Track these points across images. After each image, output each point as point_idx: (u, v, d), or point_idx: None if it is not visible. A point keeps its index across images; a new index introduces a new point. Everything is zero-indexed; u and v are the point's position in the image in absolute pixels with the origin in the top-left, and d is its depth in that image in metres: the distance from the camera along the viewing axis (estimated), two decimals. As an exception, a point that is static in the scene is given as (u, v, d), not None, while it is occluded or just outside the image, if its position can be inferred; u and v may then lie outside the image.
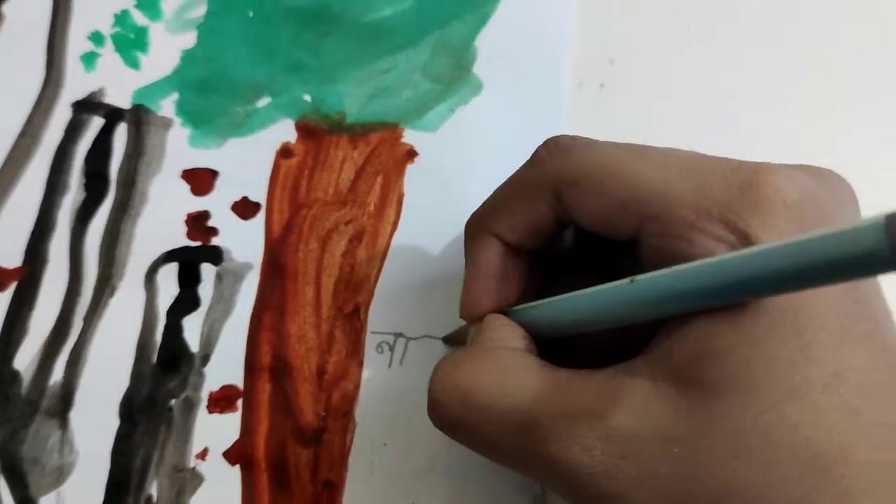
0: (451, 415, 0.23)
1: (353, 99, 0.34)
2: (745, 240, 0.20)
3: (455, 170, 0.33)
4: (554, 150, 0.25)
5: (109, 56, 0.34)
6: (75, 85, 0.34)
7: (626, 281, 0.22)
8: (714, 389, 0.20)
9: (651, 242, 0.22)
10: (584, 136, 0.25)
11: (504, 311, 0.26)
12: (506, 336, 0.25)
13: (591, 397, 0.21)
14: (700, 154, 0.23)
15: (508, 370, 0.23)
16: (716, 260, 0.20)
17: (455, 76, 0.34)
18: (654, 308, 0.21)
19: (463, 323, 0.28)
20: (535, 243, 0.26)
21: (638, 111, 0.35)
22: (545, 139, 0.25)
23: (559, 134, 0.25)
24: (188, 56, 0.34)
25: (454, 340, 0.31)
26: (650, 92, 0.35)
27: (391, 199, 0.33)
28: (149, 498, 0.29)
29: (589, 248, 0.27)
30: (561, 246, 0.28)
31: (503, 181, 0.27)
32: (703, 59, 0.35)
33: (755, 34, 0.36)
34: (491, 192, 0.27)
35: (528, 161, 0.26)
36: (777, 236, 0.20)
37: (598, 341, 0.26)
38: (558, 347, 0.25)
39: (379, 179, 0.33)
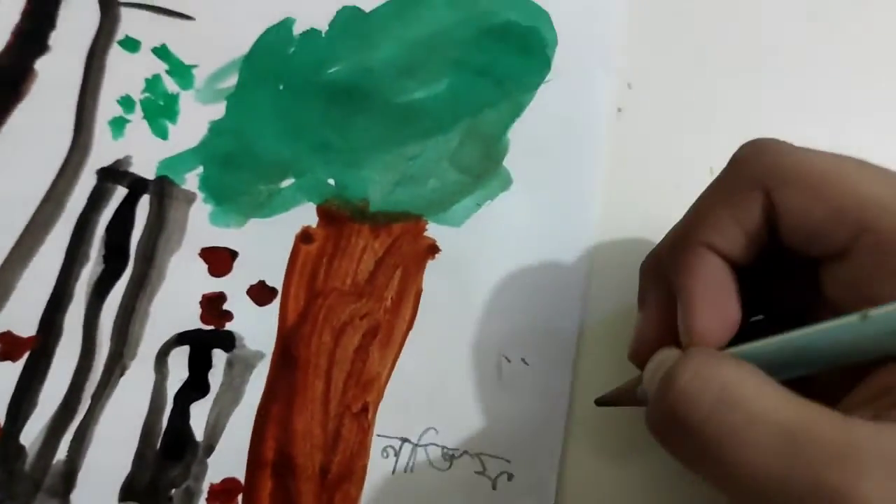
0: (700, 409, 0.20)
1: (377, 186, 0.33)
2: None
3: (476, 267, 0.32)
4: (759, 150, 0.23)
5: (138, 122, 0.34)
6: (102, 151, 0.34)
7: (855, 318, 0.19)
8: None
9: (865, 258, 0.20)
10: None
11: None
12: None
13: (860, 453, 0.18)
14: None
15: (767, 380, 0.20)
16: None
17: (485, 168, 0.33)
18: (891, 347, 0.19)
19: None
20: (746, 256, 0.23)
21: (657, 135, 0.34)
22: (741, 146, 0.24)
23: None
24: (216, 128, 0.34)
25: (612, 401, 0.28)
26: (669, 116, 0.34)
27: (409, 294, 0.32)
28: (143, 588, 0.29)
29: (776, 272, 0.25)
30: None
31: (706, 194, 0.24)
32: (720, 82, 0.35)
33: (772, 55, 0.35)
34: (667, 230, 0.25)
35: (725, 168, 0.24)
36: None
37: None
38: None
39: (398, 273, 0.32)
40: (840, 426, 0.19)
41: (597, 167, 0.33)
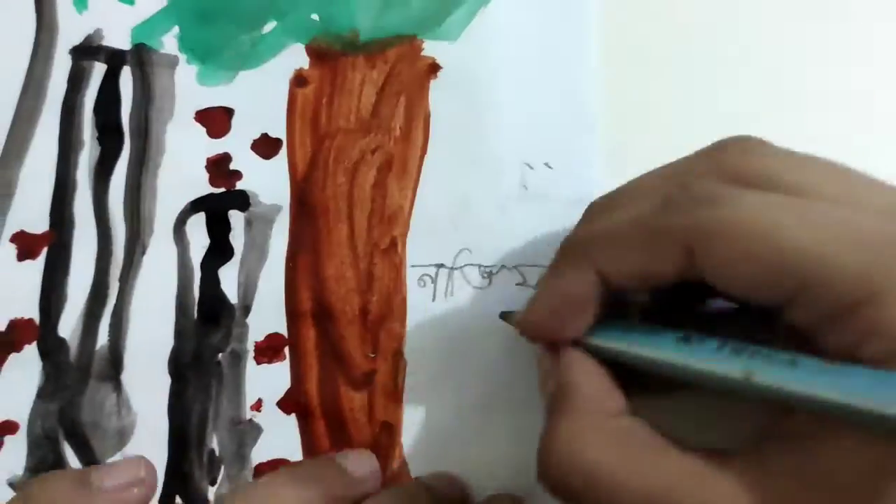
0: (572, 491, 0.21)
1: (364, 13, 0.31)
2: None
3: (482, 80, 0.30)
4: (691, 198, 0.21)
5: (100, -8, 0.32)
6: (70, 28, 0.32)
7: (738, 375, 0.20)
8: None
9: (801, 318, 0.20)
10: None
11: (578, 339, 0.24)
12: (602, 391, 0.23)
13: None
14: (867, 215, 0.19)
15: (633, 450, 0.21)
16: (865, 378, 0.17)
17: (472, -27, 0.31)
18: (772, 403, 0.20)
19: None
20: (638, 287, 0.23)
21: None
22: (679, 182, 0.22)
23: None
24: (183, -18, 0.32)
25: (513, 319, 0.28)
26: None
27: (417, 120, 0.30)
28: (211, 452, 0.29)
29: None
30: None
31: (620, 211, 0.23)
32: None
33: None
34: (601, 217, 0.24)
35: (656, 202, 0.22)
36: None
37: None
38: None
39: (402, 100, 0.31)
40: (698, 486, 0.20)
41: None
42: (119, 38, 0.32)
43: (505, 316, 0.28)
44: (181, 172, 0.31)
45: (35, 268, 0.31)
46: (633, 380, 0.23)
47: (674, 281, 0.22)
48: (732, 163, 0.22)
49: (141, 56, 0.31)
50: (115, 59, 0.31)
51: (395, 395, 0.29)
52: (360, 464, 0.28)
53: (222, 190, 0.31)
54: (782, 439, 0.20)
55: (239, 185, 0.31)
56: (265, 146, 0.31)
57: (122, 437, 0.30)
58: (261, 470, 0.29)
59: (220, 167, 0.31)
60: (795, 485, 0.19)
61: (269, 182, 0.31)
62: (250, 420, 0.30)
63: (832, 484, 0.18)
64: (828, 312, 0.19)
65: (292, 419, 0.29)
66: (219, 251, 0.30)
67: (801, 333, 0.20)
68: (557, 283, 0.24)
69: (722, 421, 0.23)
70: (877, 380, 0.17)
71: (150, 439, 0.30)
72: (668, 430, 0.22)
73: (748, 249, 0.20)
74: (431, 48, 0.31)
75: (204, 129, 0.31)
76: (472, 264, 0.30)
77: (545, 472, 0.22)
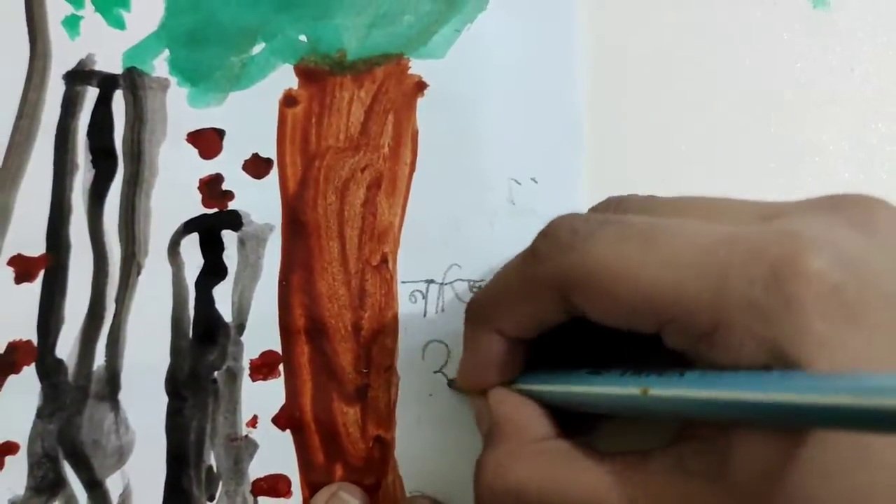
0: None
1: (351, 32, 0.31)
2: (777, 352, 0.18)
3: (469, 97, 0.31)
4: (553, 245, 0.22)
5: (91, 17, 0.32)
6: (63, 54, 0.32)
7: (636, 391, 0.21)
8: None
9: (673, 343, 0.21)
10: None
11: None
12: (528, 419, 0.24)
13: (652, 500, 0.21)
14: (716, 232, 0.20)
15: (554, 465, 0.23)
16: (737, 379, 0.19)
17: (457, -9, 0.31)
18: (671, 417, 0.22)
19: None
20: (541, 331, 0.24)
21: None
22: (545, 226, 0.23)
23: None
24: (172, 6, 0.32)
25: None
26: None
27: (405, 137, 0.31)
28: (209, 468, 0.30)
29: None
30: None
31: (505, 267, 0.25)
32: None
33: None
34: (494, 275, 0.26)
35: (527, 254, 0.24)
36: (813, 345, 0.18)
37: None
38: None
39: (390, 118, 0.31)
40: (617, 488, 0.21)
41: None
42: (111, 63, 0.32)
43: (451, 384, 0.30)
44: (174, 193, 0.31)
45: (33, 290, 0.31)
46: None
47: (566, 320, 0.23)
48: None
49: (133, 79, 0.32)
50: (107, 83, 0.32)
51: (388, 410, 0.30)
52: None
53: (215, 210, 0.31)
54: (696, 439, 0.21)
55: (231, 205, 0.31)
56: (256, 166, 0.31)
57: (122, 455, 0.30)
58: (258, 485, 0.30)
59: (212, 188, 0.31)
60: (706, 482, 0.20)
61: (260, 201, 0.31)
62: (246, 436, 0.30)
63: (739, 480, 0.19)
64: (693, 338, 0.20)
65: (287, 434, 0.30)
66: (213, 270, 0.31)
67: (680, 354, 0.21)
68: (467, 349, 0.26)
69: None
70: (754, 377, 0.19)
71: (148, 457, 0.30)
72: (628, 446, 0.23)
73: (609, 291, 0.21)
74: (418, 66, 0.31)
75: (196, 151, 0.31)
76: (462, 279, 0.30)
77: (478, 496, 0.24)
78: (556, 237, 0.23)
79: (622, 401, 0.22)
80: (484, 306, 0.26)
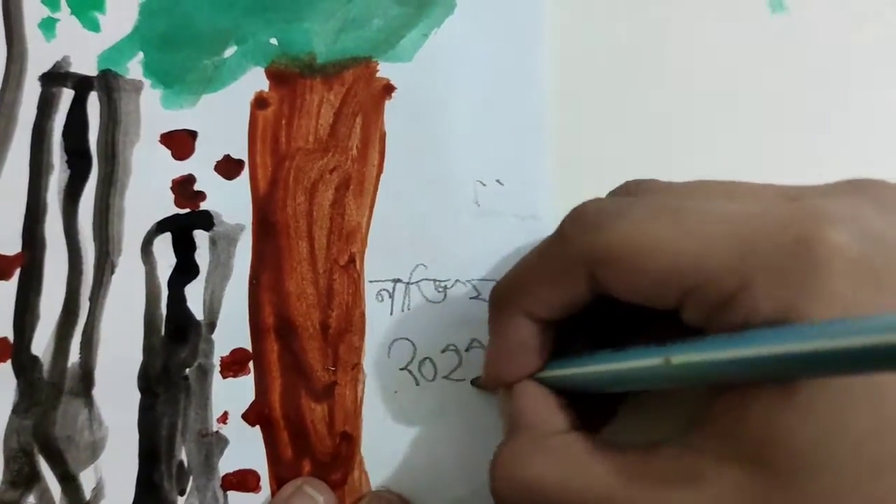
0: (515, 499, 0.23)
1: (321, 36, 0.32)
2: (794, 312, 0.19)
3: (435, 100, 0.31)
4: (581, 227, 0.23)
5: (67, 20, 0.33)
6: (39, 56, 0.33)
7: (660, 361, 0.21)
8: (788, 476, 0.19)
9: (693, 315, 0.21)
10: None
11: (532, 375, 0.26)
12: (547, 412, 0.25)
13: (663, 485, 0.21)
14: (743, 209, 0.21)
15: (570, 460, 0.23)
16: (754, 335, 0.19)
17: (425, -4, 0.32)
18: (694, 383, 0.21)
19: None
20: (569, 314, 0.25)
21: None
22: (570, 210, 0.24)
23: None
24: (146, 9, 0.33)
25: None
26: None
27: (373, 139, 0.31)
28: (180, 463, 0.31)
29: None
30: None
31: (530, 252, 0.25)
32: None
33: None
34: (517, 262, 0.26)
35: (554, 237, 0.24)
36: (832, 304, 0.19)
37: None
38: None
39: (359, 120, 0.32)
40: (630, 479, 0.21)
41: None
42: (86, 65, 0.33)
43: (474, 382, 0.30)
44: (148, 194, 0.32)
45: (9, 288, 0.32)
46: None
47: (594, 297, 0.23)
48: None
49: (107, 81, 0.32)
50: (82, 85, 0.33)
51: (355, 407, 0.30)
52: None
53: (187, 210, 0.32)
54: (706, 422, 0.21)
55: (203, 206, 0.32)
56: (228, 167, 0.32)
57: (95, 450, 0.31)
58: (227, 479, 0.30)
59: (184, 188, 0.32)
60: (717, 460, 0.20)
61: (232, 202, 0.32)
62: (217, 432, 0.31)
63: (754, 437, 0.20)
64: (712, 306, 0.21)
65: (257, 430, 0.31)
66: (185, 269, 0.31)
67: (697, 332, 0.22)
68: (495, 336, 0.26)
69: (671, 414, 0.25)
70: (771, 332, 0.19)
71: (121, 452, 0.31)
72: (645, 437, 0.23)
73: (636, 265, 0.22)
74: (386, 70, 0.32)
75: (169, 152, 0.32)
76: (427, 279, 0.31)
77: (494, 488, 0.24)
78: (583, 218, 0.23)
79: (646, 373, 0.22)
80: (510, 291, 0.26)
